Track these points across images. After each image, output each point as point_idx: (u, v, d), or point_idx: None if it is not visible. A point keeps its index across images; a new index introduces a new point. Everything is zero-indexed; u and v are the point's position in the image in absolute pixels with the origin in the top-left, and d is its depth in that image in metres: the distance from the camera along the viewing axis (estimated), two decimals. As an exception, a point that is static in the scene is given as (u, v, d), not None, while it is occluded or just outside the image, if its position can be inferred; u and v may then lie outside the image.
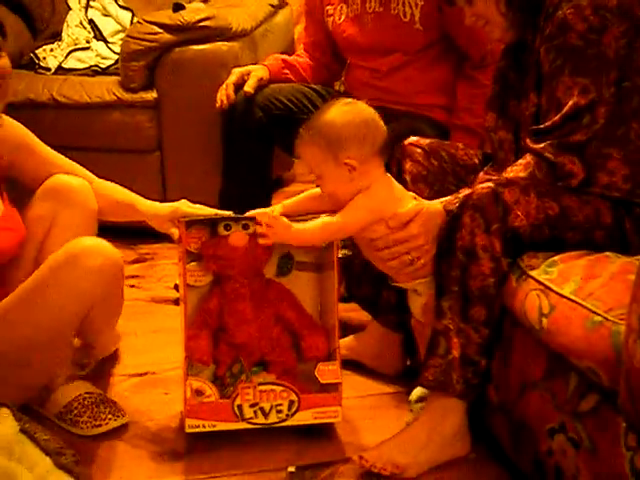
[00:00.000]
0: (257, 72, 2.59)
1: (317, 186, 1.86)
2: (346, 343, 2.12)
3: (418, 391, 1.94)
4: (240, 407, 1.82)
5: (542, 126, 1.77)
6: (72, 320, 1.82)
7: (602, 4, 1.73)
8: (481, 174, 1.82)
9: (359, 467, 1.75)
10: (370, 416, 1.97)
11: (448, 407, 1.77)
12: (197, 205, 1.91)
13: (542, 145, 1.75)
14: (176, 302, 2.33)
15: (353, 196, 1.80)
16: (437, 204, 1.83)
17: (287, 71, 2.66)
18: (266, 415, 1.82)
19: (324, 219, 1.80)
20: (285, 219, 1.79)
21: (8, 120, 1.94)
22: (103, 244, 1.81)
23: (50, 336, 1.79)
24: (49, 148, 2.01)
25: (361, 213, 1.80)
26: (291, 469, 1.78)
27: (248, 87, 2.54)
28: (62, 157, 2.02)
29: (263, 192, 2.63)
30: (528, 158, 1.78)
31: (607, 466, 1.43)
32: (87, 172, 2.03)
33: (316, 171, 1.82)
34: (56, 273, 1.77)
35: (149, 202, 1.97)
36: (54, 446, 1.60)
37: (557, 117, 1.74)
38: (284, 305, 1.89)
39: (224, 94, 2.56)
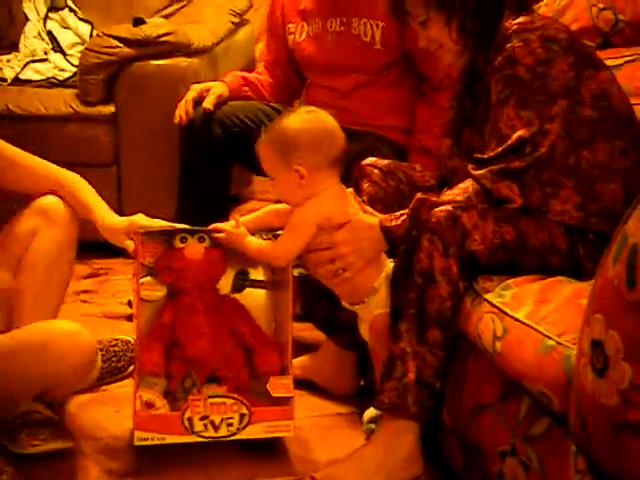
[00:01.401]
0: (216, 89, 2.58)
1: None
2: (300, 362, 2.11)
3: (371, 412, 1.93)
4: (190, 420, 1.79)
5: (485, 156, 1.78)
6: (32, 391, 1.80)
7: (550, 37, 1.76)
8: (418, 194, 1.83)
9: (311, 488, 1.74)
10: (323, 436, 1.96)
11: (402, 429, 1.76)
12: (154, 219, 1.89)
13: (481, 172, 1.76)
14: (129, 318, 2.31)
15: (302, 201, 1.80)
16: (372, 218, 1.83)
17: (247, 88, 2.66)
18: (216, 428, 1.80)
19: (268, 243, 1.82)
20: (244, 229, 1.81)
21: None
22: (79, 333, 1.76)
23: (7, 393, 1.76)
24: (18, 150, 1.97)
25: (303, 228, 1.80)
26: (242, 489, 1.77)
27: (207, 103, 2.53)
28: (32, 157, 1.98)
29: (220, 209, 2.62)
30: (467, 183, 1.79)
31: (557, 490, 1.44)
32: (52, 166, 2.00)
33: (269, 173, 1.85)
34: (26, 351, 1.73)
35: (107, 212, 1.94)
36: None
37: (500, 149, 1.75)
38: (238, 320, 1.88)
39: (183, 110, 2.55)
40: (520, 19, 1.81)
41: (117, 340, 2.18)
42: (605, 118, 1.77)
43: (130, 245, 1.85)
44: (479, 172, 1.77)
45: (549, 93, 1.74)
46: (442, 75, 2.43)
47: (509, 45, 1.77)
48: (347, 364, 2.12)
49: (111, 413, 2.01)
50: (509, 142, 1.74)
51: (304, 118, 1.82)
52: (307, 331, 2.23)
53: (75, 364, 1.76)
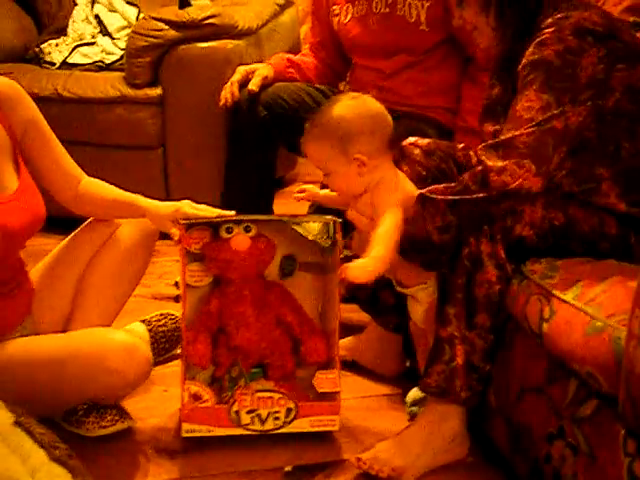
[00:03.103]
0: (262, 70, 2.58)
1: (323, 183, 1.85)
2: (345, 344, 2.11)
3: (414, 393, 1.93)
4: (237, 413, 1.81)
5: (498, 140, 1.73)
6: (83, 398, 1.83)
7: (584, 28, 1.70)
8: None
9: (356, 469, 1.74)
10: (368, 417, 1.96)
11: (447, 411, 1.76)
12: (200, 205, 1.88)
13: (487, 151, 1.71)
14: (176, 299, 2.34)
15: (362, 191, 1.78)
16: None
17: (292, 70, 2.65)
18: (263, 422, 1.82)
19: (383, 230, 1.70)
20: (357, 262, 1.66)
21: (23, 92, 1.90)
22: (136, 349, 1.77)
23: (57, 397, 1.79)
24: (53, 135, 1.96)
25: (396, 203, 1.75)
26: (287, 469, 1.78)
27: (252, 85, 2.53)
28: (62, 149, 1.96)
29: (266, 191, 2.63)
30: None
31: (605, 472, 1.43)
32: (79, 170, 1.98)
33: (324, 168, 1.81)
34: (80, 364, 1.74)
35: (149, 200, 1.95)
36: (49, 439, 1.59)
37: (517, 133, 1.68)
38: (285, 309, 1.88)
39: (228, 92, 2.56)
40: (559, 14, 1.73)
41: (165, 318, 2.19)
42: None
43: (176, 233, 1.85)
44: (485, 151, 1.71)
45: (575, 82, 1.68)
46: (489, 55, 2.40)
47: (541, 32, 1.73)
48: (392, 345, 2.12)
49: (159, 393, 2.04)
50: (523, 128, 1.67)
51: (353, 105, 1.80)
52: (352, 313, 2.24)
53: (131, 380, 1.78)
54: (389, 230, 1.71)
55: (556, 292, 1.59)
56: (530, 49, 1.73)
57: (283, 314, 1.88)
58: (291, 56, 2.70)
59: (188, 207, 1.87)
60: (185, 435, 1.81)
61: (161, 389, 2.05)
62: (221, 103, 2.57)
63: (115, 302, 1.99)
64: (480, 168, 1.69)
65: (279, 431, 1.83)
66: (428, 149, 1.99)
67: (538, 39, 1.72)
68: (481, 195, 1.68)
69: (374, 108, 1.81)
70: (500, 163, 1.67)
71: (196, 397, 1.81)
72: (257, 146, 2.54)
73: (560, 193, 1.74)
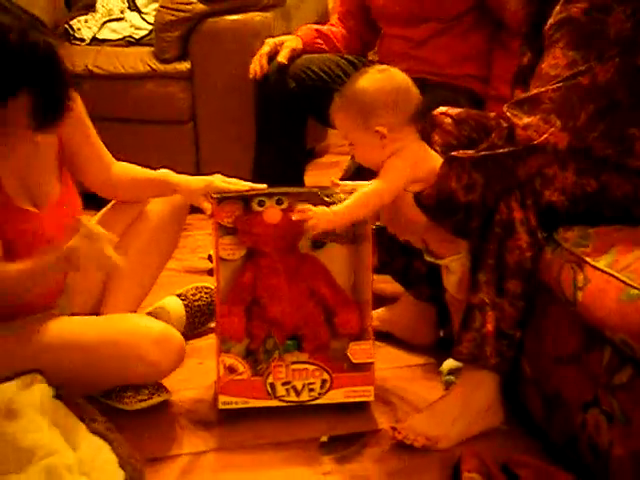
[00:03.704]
0: (290, 42, 2.57)
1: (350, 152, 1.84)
2: (378, 315, 2.12)
3: (449, 363, 1.93)
4: (272, 385, 1.83)
5: (524, 96, 1.71)
6: (117, 383, 1.86)
7: None
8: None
9: (391, 439, 1.76)
10: (402, 387, 1.97)
11: (481, 380, 1.76)
12: (231, 179, 1.88)
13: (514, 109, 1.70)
14: (210, 273, 2.35)
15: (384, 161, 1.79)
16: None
17: (320, 41, 2.64)
18: (298, 393, 1.84)
19: (361, 190, 1.78)
20: (321, 208, 1.74)
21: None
22: (169, 339, 1.80)
23: (90, 382, 1.82)
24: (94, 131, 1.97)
25: (398, 173, 1.78)
26: (323, 439, 1.79)
27: (281, 57, 2.53)
28: (97, 136, 1.96)
29: (297, 163, 2.63)
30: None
31: (641, 440, 1.43)
32: (110, 155, 1.99)
33: (348, 138, 1.83)
34: (113, 348, 1.76)
35: (180, 175, 1.95)
36: (88, 412, 1.62)
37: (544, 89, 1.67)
38: (318, 280, 1.89)
39: (257, 64, 2.56)
40: None
41: (200, 292, 2.21)
42: None
43: (208, 207, 1.85)
44: (511, 108, 1.70)
45: (602, 39, 1.66)
46: (520, 20, 2.37)
47: None
48: (425, 316, 2.12)
49: (195, 365, 2.05)
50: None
51: (377, 78, 1.80)
52: (385, 283, 2.24)
53: (164, 369, 1.81)
54: (365, 193, 1.76)
55: (589, 259, 1.58)
56: (557, 8, 1.72)
57: (316, 286, 1.88)
58: (319, 27, 2.69)
59: (219, 181, 1.87)
60: (222, 407, 1.83)
61: (197, 362, 2.07)
62: (250, 76, 2.57)
63: (147, 280, 2.02)
64: (506, 124, 1.69)
65: (314, 402, 1.84)
66: (459, 118, 1.97)
67: None
68: (507, 150, 1.67)
69: (399, 81, 1.81)
70: (526, 118, 1.67)
71: (231, 369, 1.83)
72: (287, 118, 2.54)
73: (593, 158, 1.73)
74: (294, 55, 2.55)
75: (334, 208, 1.75)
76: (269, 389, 1.83)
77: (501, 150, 1.68)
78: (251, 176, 2.44)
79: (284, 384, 1.83)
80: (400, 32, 2.53)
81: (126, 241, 1.95)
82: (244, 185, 1.87)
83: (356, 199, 1.77)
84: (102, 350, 1.77)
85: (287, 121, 2.56)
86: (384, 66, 1.87)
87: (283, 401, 1.84)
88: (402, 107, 1.78)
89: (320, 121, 2.63)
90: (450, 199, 1.72)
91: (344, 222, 1.79)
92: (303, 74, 2.52)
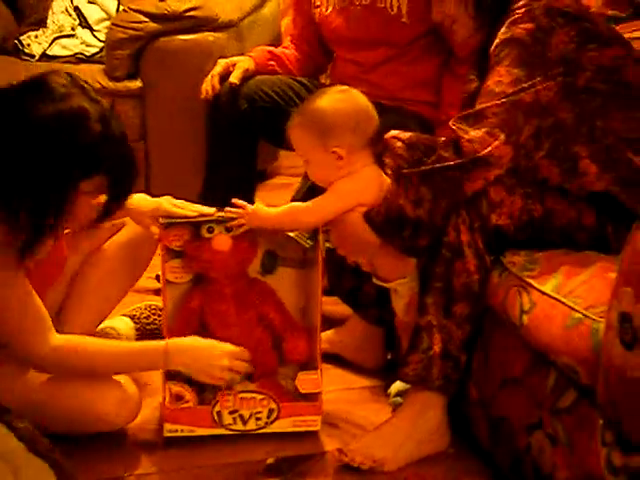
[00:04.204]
0: (243, 63, 2.57)
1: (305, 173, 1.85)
2: (327, 336, 2.11)
3: (397, 385, 1.94)
4: (219, 413, 1.82)
5: (470, 111, 1.75)
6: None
7: (555, 8, 1.73)
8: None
9: (338, 461, 1.75)
10: (350, 410, 1.97)
11: (428, 402, 1.77)
12: (180, 201, 1.86)
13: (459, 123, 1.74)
14: (157, 292, 2.32)
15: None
16: None
17: (273, 63, 2.65)
18: (245, 422, 1.83)
19: (297, 204, 1.80)
20: (256, 205, 1.80)
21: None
22: (127, 397, 1.78)
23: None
24: None
25: (341, 197, 1.79)
26: (270, 461, 1.78)
27: (233, 78, 2.52)
28: None
29: (247, 184, 2.62)
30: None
31: (584, 463, 1.44)
32: None
33: (304, 156, 1.83)
34: (68, 411, 1.74)
35: (134, 195, 1.93)
36: (29, 433, 1.58)
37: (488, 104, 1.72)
38: (267, 305, 1.87)
39: (209, 84, 2.55)
40: None
41: (153, 314, 2.17)
42: (618, 92, 1.74)
43: (155, 232, 1.84)
44: (457, 122, 1.74)
45: (545, 59, 1.71)
46: (464, 49, 2.40)
47: (513, 12, 1.75)
48: (374, 338, 2.13)
49: (142, 387, 2.02)
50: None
51: (339, 98, 1.81)
52: (334, 305, 2.24)
53: (120, 425, 1.80)
54: (298, 207, 1.81)
55: (536, 284, 1.60)
56: (502, 29, 1.76)
57: (265, 311, 1.87)
58: (272, 48, 2.70)
59: (168, 204, 1.85)
60: (167, 435, 1.82)
61: (143, 382, 2.04)
62: (202, 96, 2.56)
63: (106, 306, 2.01)
64: (452, 137, 1.72)
65: (261, 431, 1.83)
66: (410, 142, 1.99)
67: (510, 19, 1.75)
68: (453, 163, 1.70)
69: (360, 103, 1.82)
70: (472, 132, 1.70)
71: (178, 397, 1.81)
72: (238, 139, 2.53)
73: (539, 181, 1.75)
74: (246, 76, 2.55)
75: (268, 210, 1.79)
76: (216, 417, 1.82)
77: (447, 163, 1.70)
78: (201, 196, 2.43)
79: (231, 412, 1.82)
80: (352, 56, 2.54)
81: (88, 266, 1.94)
82: (193, 209, 1.85)
83: (287, 210, 1.80)
84: (57, 409, 1.74)
85: (238, 142, 2.55)
86: (345, 87, 1.88)
87: (229, 429, 1.83)
88: (362, 129, 1.79)
89: (272, 142, 2.63)
90: (399, 215, 1.73)
91: (269, 226, 1.81)
92: (255, 95, 2.52)
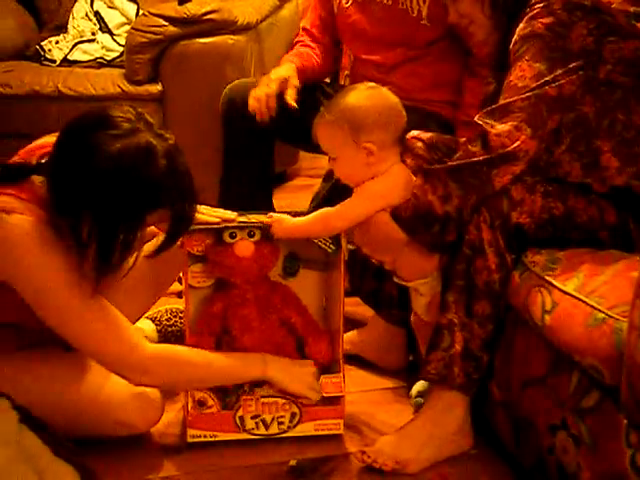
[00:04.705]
0: (294, 80, 2.42)
1: (330, 167, 1.84)
2: (349, 337, 2.11)
3: (419, 386, 1.93)
4: (242, 418, 1.82)
5: (494, 106, 1.75)
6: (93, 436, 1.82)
7: (574, 2, 1.72)
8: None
9: (360, 462, 1.75)
10: (372, 411, 1.97)
11: (450, 402, 1.77)
12: (202, 206, 1.85)
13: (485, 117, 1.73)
14: (179, 295, 2.33)
15: (365, 180, 1.79)
16: None
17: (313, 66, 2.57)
18: (267, 426, 1.83)
19: (326, 209, 1.79)
20: (281, 215, 1.79)
21: None
22: (149, 401, 1.79)
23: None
24: None
25: (371, 202, 1.78)
26: (292, 463, 1.78)
27: (291, 99, 2.36)
28: None
29: (264, 186, 2.61)
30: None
31: (608, 463, 1.43)
32: None
33: (332, 153, 1.82)
34: (89, 414, 1.75)
35: None
36: (53, 437, 1.60)
37: (513, 99, 1.71)
38: (289, 310, 1.88)
39: (264, 105, 2.37)
40: None
41: (175, 317, 2.17)
42: (638, 85, 1.73)
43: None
44: (483, 117, 1.74)
45: (566, 52, 1.71)
46: (489, 50, 2.39)
47: (531, 8, 1.75)
48: (395, 339, 2.12)
49: (166, 391, 2.03)
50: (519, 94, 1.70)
51: (369, 94, 1.80)
52: (354, 306, 2.24)
53: (141, 430, 1.81)
54: (328, 213, 1.79)
55: (557, 283, 1.59)
56: (521, 25, 1.76)
57: (287, 315, 1.87)
58: (297, 62, 2.55)
59: None
60: (190, 440, 1.82)
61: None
62: (258, 118, 2.38)
63: (132, 317, 1.97)
64: (479, 131, 1.71)
65: (283, 435, 1.84)
66: (430, 142, 1.98)
67: (529, 14, 1.75)
68: (482, 158, 1.69)
69: (390, 100, 1.82)
70: (498, 126, 1.70)
71: (201, 403, 1.81)
72: (254, 142, 2.51)
73: (561, 176, 1.75)
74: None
75: (296, 220, 1.78)
76: (238, 422, 1.82)
77: (476, 158, 1.70)
78: (218, 198, 2.43)
79: (253, 417, 1.82)
80: (369, 56, 2.53)
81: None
82: (214, 214, 1.85)
83: (318, 216, 1.78)
84: (78, 412, 1.75)
85: (254, 145, 2.53)
86: (373, 84, 1.87)
87: (252, 434, 1.83)
88: (392, 125, 1.79)
89: (291, 144, 2.62)
90: (427, 212, 1.73)
91: (300, 235, 1.80)
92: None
